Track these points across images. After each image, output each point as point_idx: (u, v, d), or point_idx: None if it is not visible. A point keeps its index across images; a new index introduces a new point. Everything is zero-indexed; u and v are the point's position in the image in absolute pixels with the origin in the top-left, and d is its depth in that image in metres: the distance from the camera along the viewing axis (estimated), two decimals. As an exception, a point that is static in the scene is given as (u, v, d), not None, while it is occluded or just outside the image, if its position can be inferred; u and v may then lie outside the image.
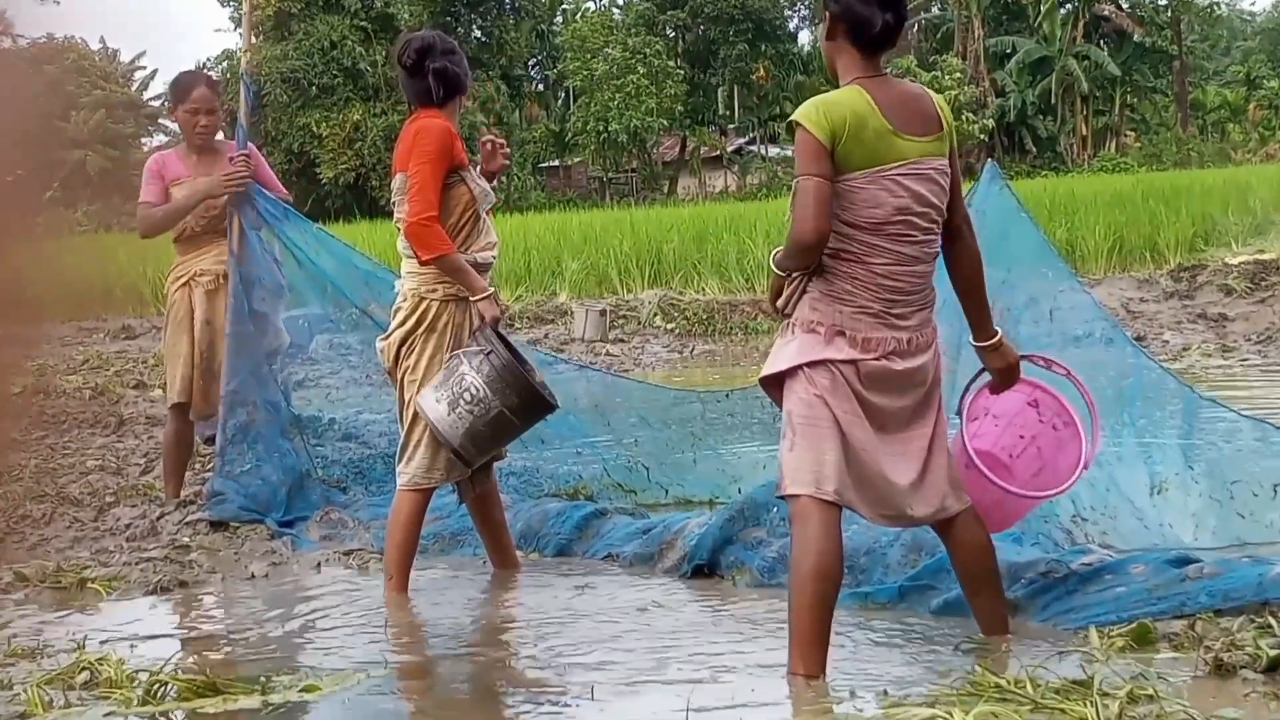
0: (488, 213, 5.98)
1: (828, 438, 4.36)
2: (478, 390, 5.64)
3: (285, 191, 7.68)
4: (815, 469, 4.34)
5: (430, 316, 5.82)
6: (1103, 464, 5.92)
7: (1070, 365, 4.89)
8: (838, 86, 4.47)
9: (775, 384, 4.53)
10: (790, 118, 4.44)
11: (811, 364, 4.39)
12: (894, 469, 4.45)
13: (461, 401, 5.64)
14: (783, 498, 4.45)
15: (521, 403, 5.72)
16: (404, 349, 5.86)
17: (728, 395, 7.80)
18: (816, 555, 4.30)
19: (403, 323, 5.86)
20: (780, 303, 4.52)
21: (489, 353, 5.67)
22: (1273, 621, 4.52)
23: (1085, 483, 5.58)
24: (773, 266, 4.52)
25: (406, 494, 5.88)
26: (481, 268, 5.88)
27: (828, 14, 4.50)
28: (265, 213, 7.36)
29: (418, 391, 5.80)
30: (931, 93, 4.57)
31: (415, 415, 5.85)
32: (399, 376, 5.92)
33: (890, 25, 4.45)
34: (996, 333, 4.68)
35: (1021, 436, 4.93)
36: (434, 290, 5.81)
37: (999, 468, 4.83)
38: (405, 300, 5.88)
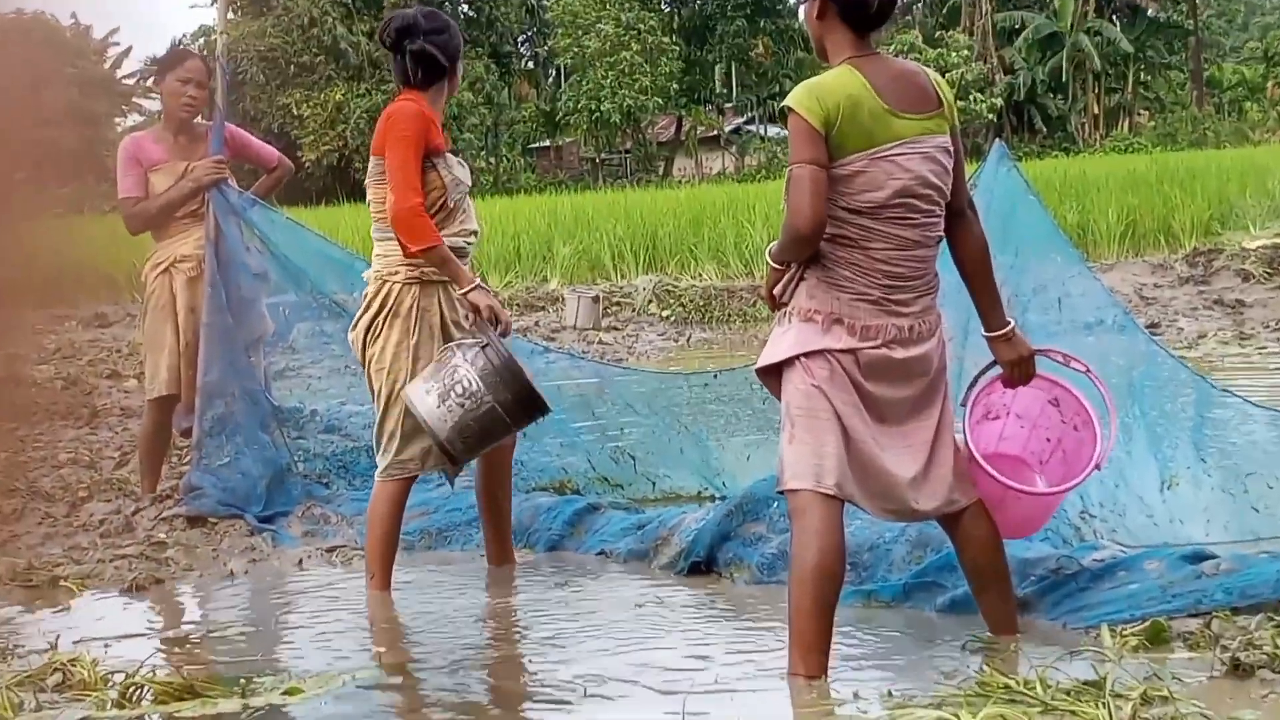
0: (469, 197, 5.97)
1: (828, 430, 4.36)
2: (470, 384, 5.61)
3: (275, 154, 7.74)
4: (815, 462, 4.34)
5: (393, 300, 5.79)
6: (1111, 459, 5.92)
7: (1081, 356, 4.85)
8: (829, 66, 4.48)
9: (773, 375, 4.53)
10: (783, 103, 4.45)
11: (809, 354, 4.39)
12: (897, 461, 4.45)
13: (453, 394, 5.61)
14: (782, 492, 4.44)
15: (515, 400, 5.67)
16: (369, 336, 5.85)
17: (715, 376, 7.81)
18: (818, 552, 4.30)
19: (367, 308, 5.85)
20: (777, 290, 4.52)
21: (485, 345, 5.64)
22: (1291, 619, 4.53)
23: (1094, 478, 5.58)
24: (769, 260, 4.52)
25: (384, 484, 5.88)
26: (455, 254, 5.86)
27: None
28: (235, 203, 7.38)
29: (405, 382, 5.78)
30: (927, 70, 4.57)
31: (389, 403, 5.83)
32: (366, 365, 5.91)
33: (884, 3, 4.45)
34: (1008, 322, 4.64)
35: (1048, 440, 4.87)
36: (395, 273, 5.79)
37: (1027, 474, 4.81)
38: (370, 285, 5.88)
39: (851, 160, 4.34)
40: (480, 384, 5.60)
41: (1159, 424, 6.27)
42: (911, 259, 4.41)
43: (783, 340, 4.47)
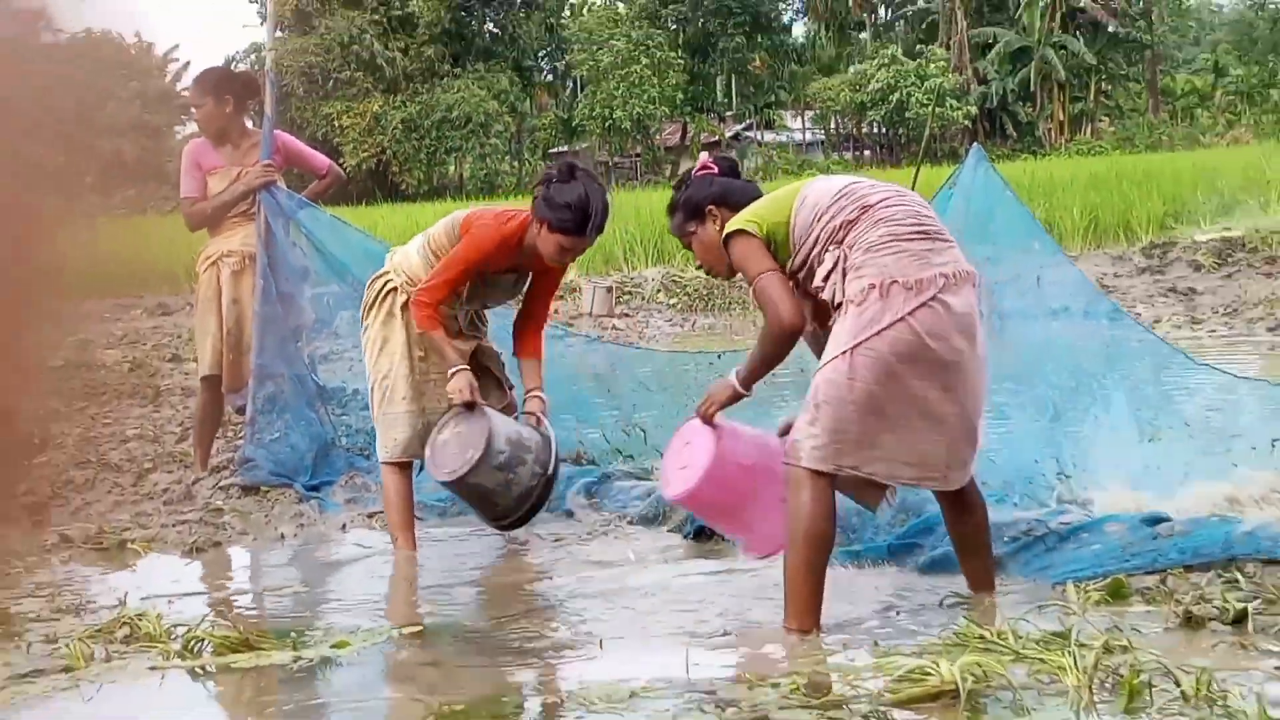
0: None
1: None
2: (522, 483, 5.70)
3: (326, 162, 7.74)
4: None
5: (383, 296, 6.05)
6: (1093, 418, 5.84)
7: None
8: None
9: None
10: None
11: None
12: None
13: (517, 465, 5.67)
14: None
15: (518, 519, 5.81)
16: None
17: (719, 357, 7.77)
18: (809, 519, 4.30)
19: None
20: None
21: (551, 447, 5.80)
22: (1239, 576, 4.53)
23: (1071, 438, 5.55)
24: (739, 388, 4.61)
25: (384, 469, 5.99)
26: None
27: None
28: (284, 205, 7.38)
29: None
30: None
31: (372, 390, 5.96)
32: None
33: None
34: None
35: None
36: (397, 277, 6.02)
37: None
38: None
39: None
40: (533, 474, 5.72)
41: (1139, 388, 6.16)
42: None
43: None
